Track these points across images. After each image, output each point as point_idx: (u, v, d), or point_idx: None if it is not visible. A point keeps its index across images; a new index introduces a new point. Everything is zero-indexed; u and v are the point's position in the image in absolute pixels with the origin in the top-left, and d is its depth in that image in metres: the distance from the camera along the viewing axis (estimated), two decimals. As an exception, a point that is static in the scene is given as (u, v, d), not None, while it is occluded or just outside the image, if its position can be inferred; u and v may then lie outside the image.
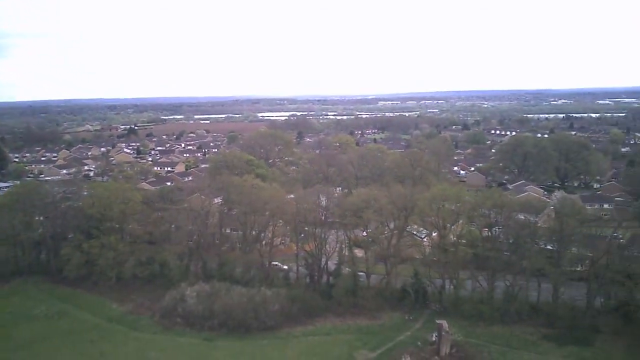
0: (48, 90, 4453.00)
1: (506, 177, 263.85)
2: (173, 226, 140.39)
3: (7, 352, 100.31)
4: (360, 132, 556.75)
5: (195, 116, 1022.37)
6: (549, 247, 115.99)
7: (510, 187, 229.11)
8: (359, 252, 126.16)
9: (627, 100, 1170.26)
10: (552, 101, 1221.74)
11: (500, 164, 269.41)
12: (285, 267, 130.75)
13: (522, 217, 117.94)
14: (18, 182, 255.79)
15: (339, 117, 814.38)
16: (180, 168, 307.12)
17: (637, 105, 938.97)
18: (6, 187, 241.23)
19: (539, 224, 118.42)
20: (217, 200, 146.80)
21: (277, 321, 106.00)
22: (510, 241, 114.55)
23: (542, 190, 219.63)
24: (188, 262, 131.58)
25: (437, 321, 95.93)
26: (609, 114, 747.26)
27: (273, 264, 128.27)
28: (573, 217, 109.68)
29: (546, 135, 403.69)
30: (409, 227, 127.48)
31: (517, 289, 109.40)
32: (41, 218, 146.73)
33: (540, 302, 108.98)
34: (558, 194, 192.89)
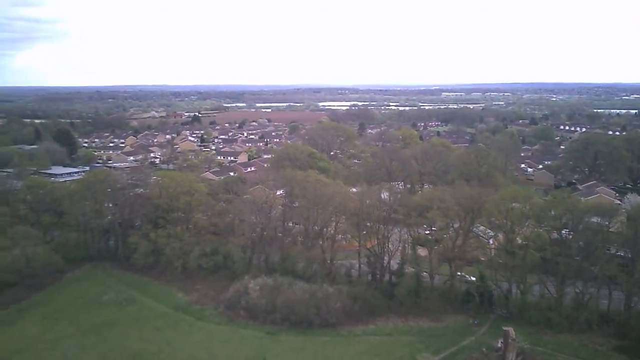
0: (115, 76, 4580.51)
1: (576, 176, 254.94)
2: (237, 218, 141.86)
3: (77, 335, 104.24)
4: (423, 124, 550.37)
5: (257, 104, 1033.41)
6: (620, 253, 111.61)
7: (580, 187, 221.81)
8: (422, 252, 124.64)
9: None
10: (624, 96, 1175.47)
11: (570, 163, 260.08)
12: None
13: (595, 221, 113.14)
14: (87, 167, 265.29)
15: (401, 108, 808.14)
16: (243, 158, 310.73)
17: None
18: (76, 172, 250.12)
19: (611, 229, 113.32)
20: (280, 192, 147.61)
21: (338, 318, 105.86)
22: (581, 246, 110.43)
23: (614, 192, 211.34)
24: (251, 254, 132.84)
25: (504, 328, 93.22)
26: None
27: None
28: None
29: (618, 133, 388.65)
30: (475, 228, 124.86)
31: (587, 296, 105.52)
32: (110, 205, 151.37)
33: (611, 311, 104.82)
34: (631, 197, 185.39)
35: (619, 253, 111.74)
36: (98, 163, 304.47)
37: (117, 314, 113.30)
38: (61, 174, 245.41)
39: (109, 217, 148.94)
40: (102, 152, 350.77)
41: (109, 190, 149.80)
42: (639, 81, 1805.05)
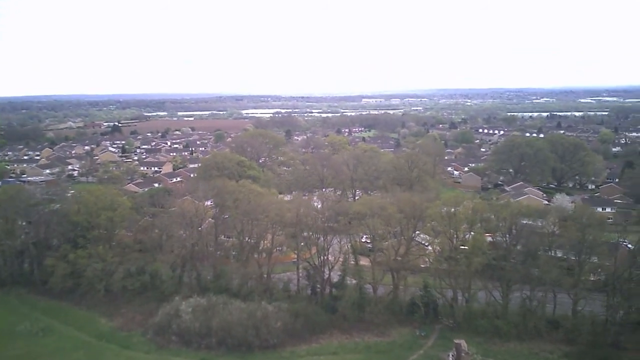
0: (28, 85, 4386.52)
1: (502, 178, 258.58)
2: (164, 234, 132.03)
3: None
4: (347, 130, 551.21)
5: (179, 113, 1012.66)
6: (559, 254, 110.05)
7: (507, 188, 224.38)
8: (363, 262, 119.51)
9: (608, 98, 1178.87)
10: (534, 99, 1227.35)
11: (495, 165, 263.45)
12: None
13: (537, 224, 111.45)
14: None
15: (324, 115, 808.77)
16: (167, 168, 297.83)
17: (619, 104, 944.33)
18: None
19: (554, 231, 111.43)
20: (208, 202, 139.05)
21: (279, 339, 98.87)
22: (524, 250, 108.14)
23: (541, 193, 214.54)
24: (181, 272, 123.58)
25: (455, 340, 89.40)
26: (592, 113, 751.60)
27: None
28: (595, 226, 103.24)
29: (535, 135, 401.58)
30: (415, 235, 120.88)
31: (534, 302, 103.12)
32: (23, 223, 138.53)
33: (557, 315, 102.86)
34: (560, 197, 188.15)
35: (560, 256, 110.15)
36: (11, 177, 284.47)
37: (33, 346, 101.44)
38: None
39: (22, 237, 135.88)
40: (15, 165, 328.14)
41: (22, 207, 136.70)
42: (545, 86, 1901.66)
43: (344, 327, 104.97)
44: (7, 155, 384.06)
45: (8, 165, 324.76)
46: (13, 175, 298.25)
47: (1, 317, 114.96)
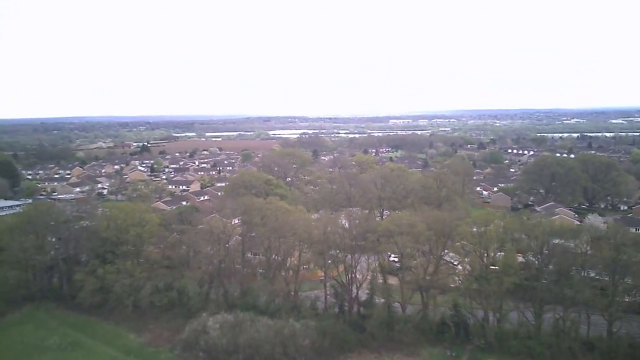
0: (60, 107, 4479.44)
1: (532, 198, 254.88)
2: (192, 250, 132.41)
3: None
4: (374, 150, 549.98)
5: (207, 134, 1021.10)
6: (592, 274, 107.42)
7: (538, 209, 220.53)
8: (391, 280, 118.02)
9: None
10: (565, 120, 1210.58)
11: (525, 185, 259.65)
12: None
13: (571, 244, 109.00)
14: (30, 200, 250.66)
15: (351, 136, 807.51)
16: (195, 187, 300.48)
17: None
18: (18, 205, 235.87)
19: (588, 251, 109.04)
20: (235, 220, 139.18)
21: (307, 357, 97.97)
22: (557, 270, 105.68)
23: (573, 213, 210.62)
24: (208, 289, 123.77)
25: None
26: (623, 133, 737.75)
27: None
28: (630, 245, 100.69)
29: (565, 155, 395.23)
30: (445, 253, 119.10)
31: (567, 323, 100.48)
32: (53, 239, 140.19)
33: (592, 337, 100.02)
34: (592, 217, 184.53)
35: (593, 276, 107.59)
36: (42, 195, 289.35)
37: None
38: (1, 207, 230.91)
39: (52, 253, 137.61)
40: (46, 184, 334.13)
41: (52, 223, 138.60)
42: (576, 106, 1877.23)
43: (373, 346, 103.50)
44: (38, 174, 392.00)
45: (39, 184, 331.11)
46: (44, 193, 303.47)
47: (31, 332, 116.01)
